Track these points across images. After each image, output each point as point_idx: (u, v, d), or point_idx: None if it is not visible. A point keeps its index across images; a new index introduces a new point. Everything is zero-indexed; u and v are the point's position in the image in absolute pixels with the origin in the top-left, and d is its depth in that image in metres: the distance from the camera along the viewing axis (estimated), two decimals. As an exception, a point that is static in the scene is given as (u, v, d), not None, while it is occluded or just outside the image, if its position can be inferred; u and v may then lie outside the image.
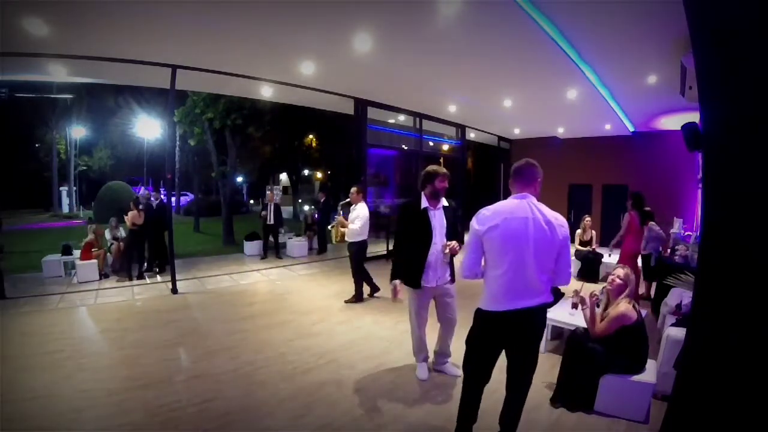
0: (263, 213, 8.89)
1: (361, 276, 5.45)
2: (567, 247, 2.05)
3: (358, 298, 5.41)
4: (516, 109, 8.83)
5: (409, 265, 3.06)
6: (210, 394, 2.98)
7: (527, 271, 1.96)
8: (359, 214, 5.19)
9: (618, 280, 2.90)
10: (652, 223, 5.79)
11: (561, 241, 2.00)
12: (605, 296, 3.01)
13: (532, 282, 1.98)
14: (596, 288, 3.48)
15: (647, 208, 6.28)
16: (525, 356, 2.13)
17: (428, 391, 3.08)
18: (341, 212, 5.51)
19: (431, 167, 3.13)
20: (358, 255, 5.36)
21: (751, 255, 1.49)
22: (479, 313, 2.11)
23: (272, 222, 8.80)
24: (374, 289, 5.61)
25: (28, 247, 9.29)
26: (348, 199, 5.34)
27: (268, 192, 10.12)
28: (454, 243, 2.93)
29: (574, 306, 2.94)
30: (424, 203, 3.09)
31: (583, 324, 3.03)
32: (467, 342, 2.23)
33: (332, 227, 5.56)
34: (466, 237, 2.28)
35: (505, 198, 2.13)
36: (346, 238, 5.32)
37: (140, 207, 6.89)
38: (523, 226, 1.96)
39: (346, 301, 5.39)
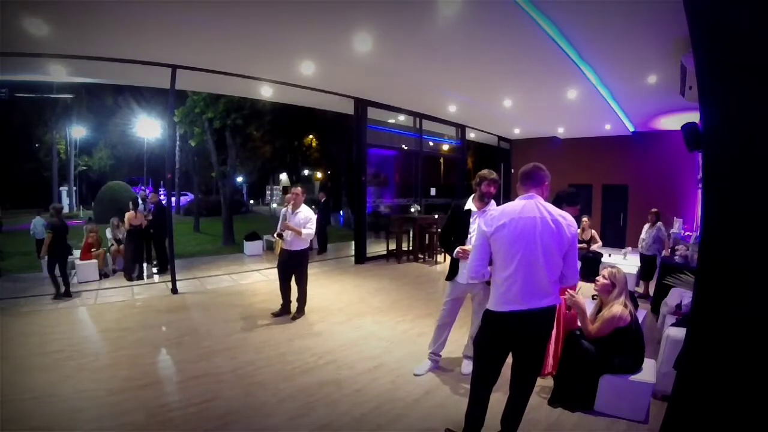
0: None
1: (305, 286, 4.81)
2: (575, 246, 2.04)
3: (300, 310, 4.80)
4: (516, 109, 8.82)
5: (450, 259, 3.19)
6: (210, 394, 2.98)
7: (537, 271, 1.94)
8: (309, 216, 4.57)
9: (603, 280, 2.90)
10: (660, 223, 5.77)
11: (569, 239, 1.98)
12: (598, 299, 3.01)
13: (542, 282, 1.96)
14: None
15: (654, 209, 6.25)
16: (532, 357, 2.12)
17: (428, 391, 3.08)
18: (288, 218, 4.64)
19: (482, 171, 3.15)
20: (306, 265, 4.80)
21: (750, 255, 1.49)
22: (488, 315, 2.09)
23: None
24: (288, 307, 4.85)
25: (29, 247, 9.28)
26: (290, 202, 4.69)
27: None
28: (469, 247, 2.82)
29: (568, 308, 2.94)
30: (470, 205, 3.13)
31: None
32: (475, 344, 2.23)
33: (277, 236, 4.67)
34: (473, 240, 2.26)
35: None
36: (286, 246, 4.62)
37: (146, 208, 6.89)
38: (531, 225, 1.95)
39: (273, 314, 4.73)
